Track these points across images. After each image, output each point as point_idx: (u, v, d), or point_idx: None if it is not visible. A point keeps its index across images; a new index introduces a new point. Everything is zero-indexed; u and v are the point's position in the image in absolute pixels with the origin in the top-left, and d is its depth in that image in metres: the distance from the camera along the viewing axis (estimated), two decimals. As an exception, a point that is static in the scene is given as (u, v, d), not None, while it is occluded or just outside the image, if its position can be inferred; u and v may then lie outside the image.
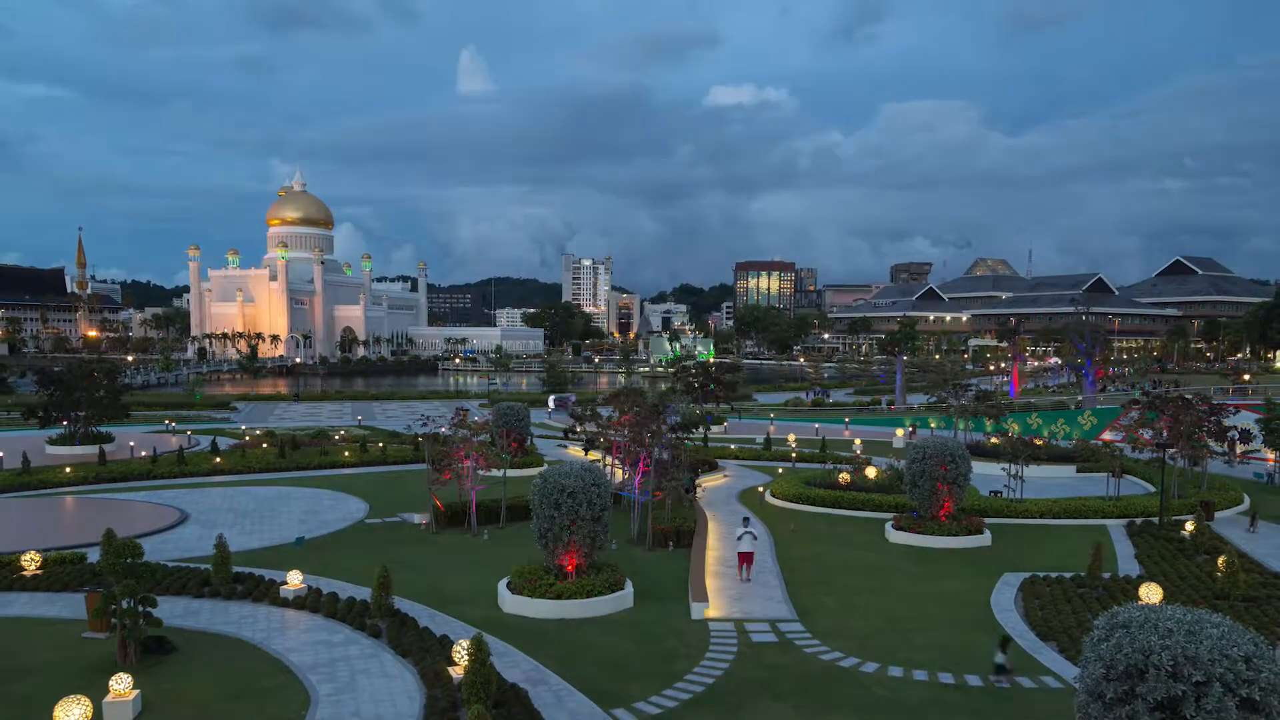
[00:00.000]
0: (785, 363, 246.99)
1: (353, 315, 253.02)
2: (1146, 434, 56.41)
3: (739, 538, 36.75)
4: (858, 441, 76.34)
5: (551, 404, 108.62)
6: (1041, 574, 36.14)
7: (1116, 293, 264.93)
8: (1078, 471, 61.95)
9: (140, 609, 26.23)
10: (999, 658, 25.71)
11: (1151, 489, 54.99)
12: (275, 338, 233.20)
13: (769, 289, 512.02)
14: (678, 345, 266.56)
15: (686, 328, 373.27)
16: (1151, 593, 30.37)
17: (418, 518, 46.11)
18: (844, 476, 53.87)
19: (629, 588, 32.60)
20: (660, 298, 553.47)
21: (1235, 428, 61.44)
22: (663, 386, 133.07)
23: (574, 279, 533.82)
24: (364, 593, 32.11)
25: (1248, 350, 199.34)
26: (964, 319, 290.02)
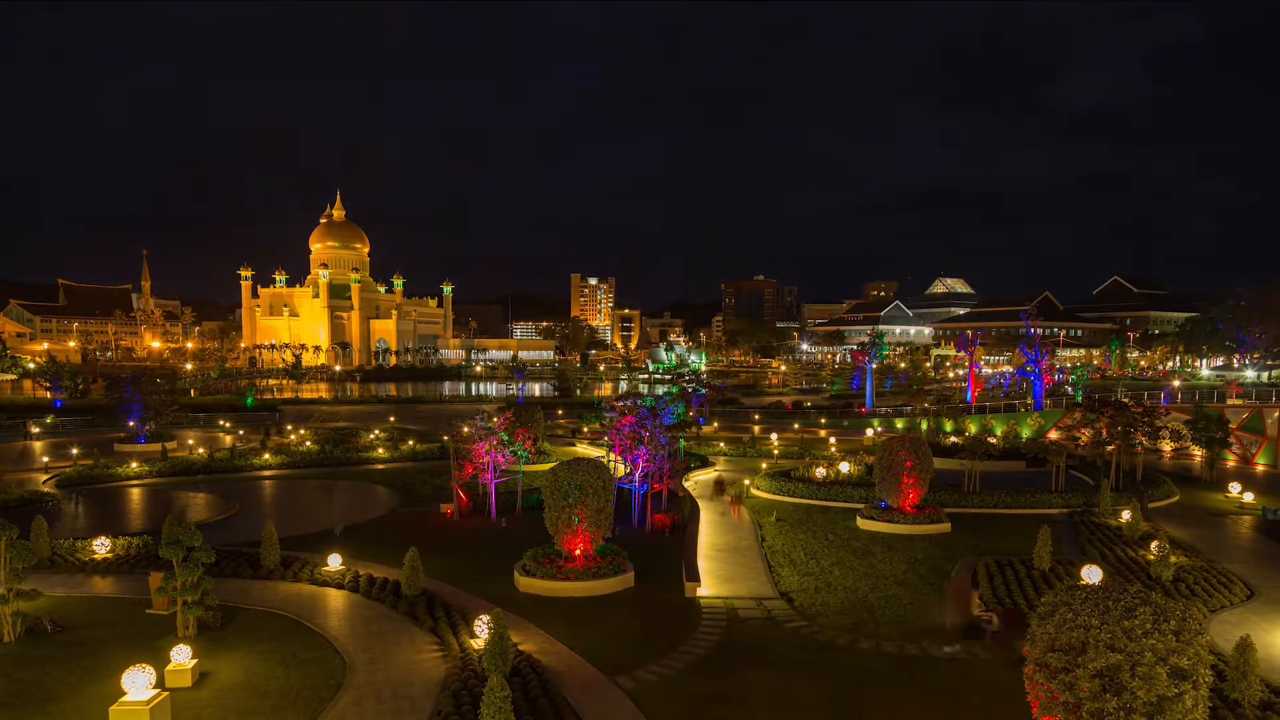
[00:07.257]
0: (770, 371, 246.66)
1: (385, 328, 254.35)
2: (1087, 433, 56.52)
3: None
4: (832, 440, 76.33)
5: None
6: (995, 557, 36.13)
7: (1062, 308, 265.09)
8: (1027, 467, 61.77)
9: (198, 589, 26.30)
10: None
11: (1093, 482, 54.94)
12: (317, 348, 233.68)
13: (754, 304, 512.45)
14: (673, 355, 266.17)
15: (681, 339, 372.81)
16: (1092, 574, 30.40)
17: (444, 507, 46.07)
18: (820, 471, 53.81)
19: (630, 569, 32.61)
20: (657, 312, 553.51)
21: (1167, 427, 61.46)
22: (659, 391, 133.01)
23: (581, 296, 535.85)
24: (396, 574, 32.16)
25: (1177, 360, 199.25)
26: (926, 331, 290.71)
